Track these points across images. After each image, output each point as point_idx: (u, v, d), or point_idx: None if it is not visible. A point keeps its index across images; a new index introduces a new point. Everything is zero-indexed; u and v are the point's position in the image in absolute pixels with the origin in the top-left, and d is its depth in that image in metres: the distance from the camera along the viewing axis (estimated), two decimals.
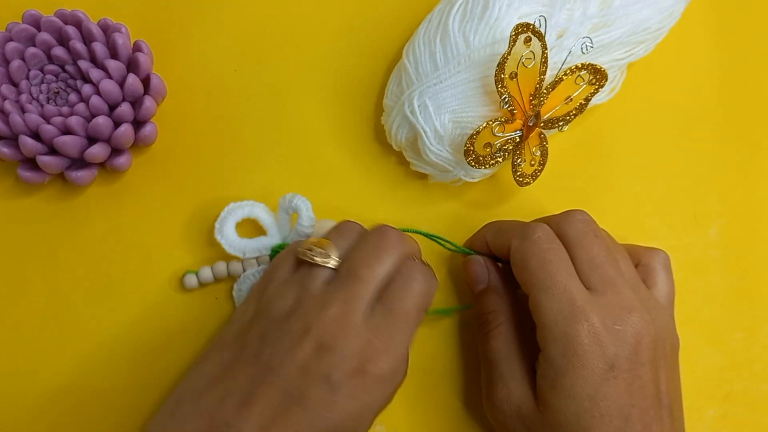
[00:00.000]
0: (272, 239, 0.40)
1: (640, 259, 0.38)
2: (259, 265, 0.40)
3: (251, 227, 0.41)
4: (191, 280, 0.40)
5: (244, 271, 0.40)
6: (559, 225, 0.36)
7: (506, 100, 0.37)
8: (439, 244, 0.40)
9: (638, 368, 0.32)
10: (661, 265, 0.38)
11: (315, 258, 0.35)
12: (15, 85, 0.40)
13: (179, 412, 0.33)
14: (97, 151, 0.39)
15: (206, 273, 0.40)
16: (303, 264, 0.35)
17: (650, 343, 0.33)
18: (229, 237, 0.40)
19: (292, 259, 0.36)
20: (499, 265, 0.40)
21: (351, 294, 0.33)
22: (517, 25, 0.35)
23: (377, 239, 0.35)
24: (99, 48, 0.40)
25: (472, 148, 0.38)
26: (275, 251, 0.40)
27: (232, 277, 0.41)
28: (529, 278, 0.34)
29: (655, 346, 0.33)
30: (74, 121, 0.38)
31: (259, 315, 0.34)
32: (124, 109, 0.39)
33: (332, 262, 0.34)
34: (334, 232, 0.37)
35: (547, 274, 0.33)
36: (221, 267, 0.40)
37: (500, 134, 0.38)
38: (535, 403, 0.33)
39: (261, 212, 0.40)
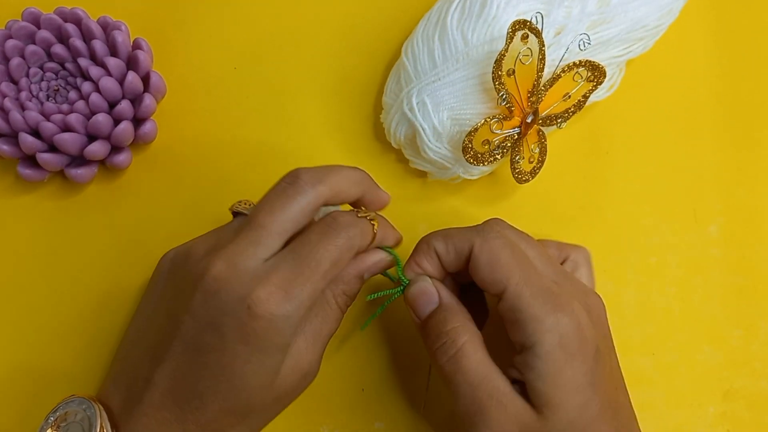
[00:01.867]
0: None
1: (568, 255, 0.37)
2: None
3: None
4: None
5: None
6: (492, 231, 0.34)
7: (504, 97, 0.37)
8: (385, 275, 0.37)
9: (611, 351, 0.33)
10: (585, 261, 0.37)
11: (238, 207, 0.35)
12: (15, 82, 0.40)
13: (113, 371, 0.35)
14: (97, 149, 0.39)
15: None
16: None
17: (608, 326, 0.34)
18: None
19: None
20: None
21: (246, 239, 0.31)
22: (514, 22, 0.35)
23: (286, 182, 0.33)
24: (99, 46, 0.40)
25: (470, 146, 0.38)
26: None
27: None
28: (504, 273, 0.32)
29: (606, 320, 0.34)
30: (74, 119, 0.39)
31: (174, 258, 0.34)
32: (124, 106, 0.39)
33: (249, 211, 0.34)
34: (276, 185, 0.35)
35: (524, 266, 0.32)
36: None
37: (498, 131, 0.38)
38: (533, 411, 0.31)
39: None
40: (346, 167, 0.35)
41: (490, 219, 0.35)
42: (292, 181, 0.33)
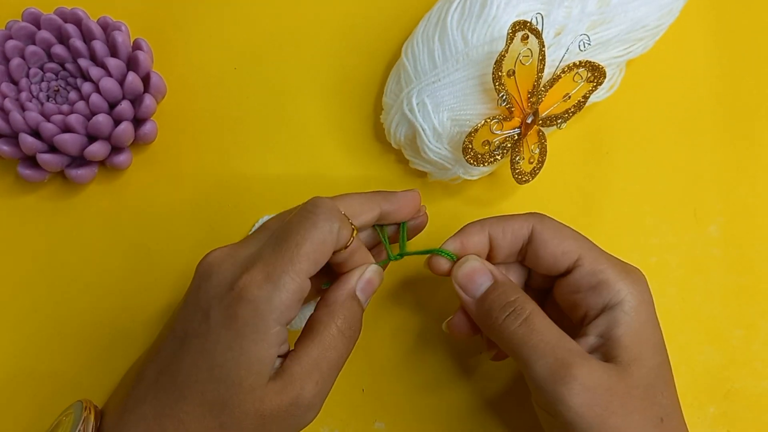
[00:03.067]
0: None
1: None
2: None
3: None
4: None
5: None
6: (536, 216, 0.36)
7: (504, 97, 0.37)
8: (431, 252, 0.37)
9: None
10: None
11: None
12: (15, 83, 0.40)
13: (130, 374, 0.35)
14: (97, 149, 0.39)
15: None
16: None
17: None
18: None
19: None
20: None
21: (253, 237, 0.33)
22: (514, 23, 0.35)
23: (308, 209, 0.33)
24: (99, 46, 0.40)
25: (470, 146, 0.38)
26: None
27: None
28: (573, 244, 0.34)
29: None
30: (74, 119, 0.39)
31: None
32: (124, 107, 0.39)
33: None
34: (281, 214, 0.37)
35: (588, 240, 0.35)
36: None
37: (498, 132, 0.38)
38: (616, 368, 0.31)
39: None
40: (357, 193, 0.36)
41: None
42: (313, 208, 0.33)
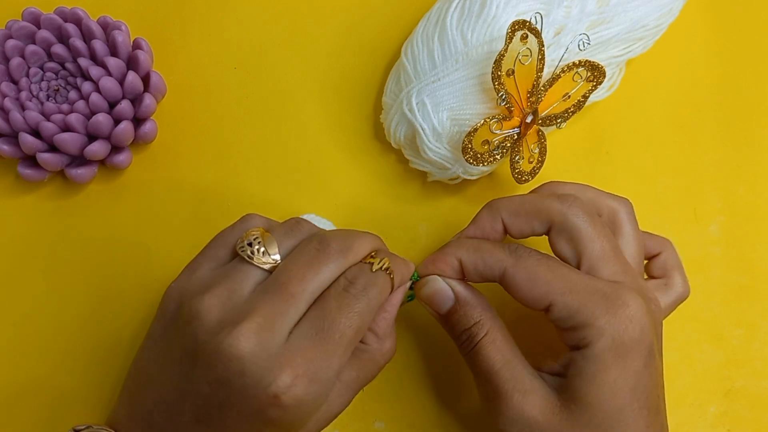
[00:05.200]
0: None
1: (671, 276, 0.37)
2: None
3: None
4: None
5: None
6: (562, 214, 0.33)
7: (503, 97, 0.37)
8: None
9: (660, 355, 0.32)
10: (677, 296, 0.37)
11: (252, 256, 0.31)
12: (15, 82, 0.40)
13: (126, 404, 0.33)
14: (97, 149, 0.39)
15: None
16: (239, 255, 0.32)
17: (662, 331, 0.33)
18: None
19: (230, 247, 0.33)
20: None
21: (274, 310, 0.30)
22: (514, 22, 0.35)
23: (315, 247, 0.32)
24: (99, 46, 0.40)
25: (470, 146, 0.38)
26: None
27: None
28: (545, 290, 0.31)
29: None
30: (74, 119, 0.39)
31: (181, 309, 0.31)
32: (124, 106, 0.39)
33: (268, 264, 0.31)
34: (282, 228, 0.33)
35: (566, 277, 0.31)
36: None
37: (498, 131, 0.38)
38: (558, 404, 0.31)
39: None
40: (364, 233, 0.34)
41: (563, 202, 0.34)
42: (322, 247, 0.32)
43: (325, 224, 0.41)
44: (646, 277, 0.38)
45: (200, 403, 0.30)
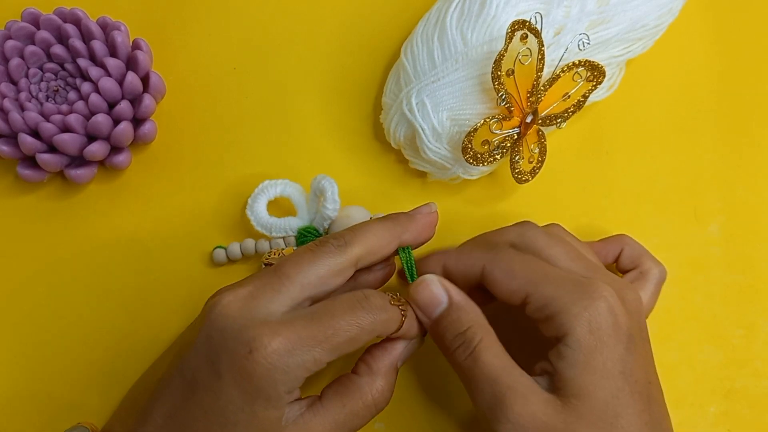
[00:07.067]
0: (300, 220, 0.40)
1: (640, 264, 0.38)
2: (286, 245, 0.39)
3: (285, 207, 0.41)
4: (220, 255, 0.40)
5: (271, 248, 0.39)
6: (517, 237, 0.35)
7: (503, 97, 0.37)
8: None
9: (645, 343, 0.32)
10: (655, 279, 0.38)
11: (269, 258, 0.35)
12: (14, 83, 0.40)
13: (123, 402, 0.37)
14: (97, 149, 0.39)
15: (235, 249, 0.40)
16: None
17: (644, 319, 0.33)
18: (258, 214, 0.39)
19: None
20: None
21: (266, 283, 0.31)
22: (513, 22, 0.35)
23: (316, 243, 0.33)
24: (98, 46, 0.40)
25: (469, 146, 0.38)
26: (301, 233, 0.39)
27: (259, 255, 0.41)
28: (521, 282, 0.32)
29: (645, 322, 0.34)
30: (73, 119, 0.39)
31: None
32: (124, 107, 0.39)
33: (275, 261, 0.34)
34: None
35: (541, 269, 0.32)
36: (249, 244, 0.40)
37: (498, 131, 0.38)
38: (559, 402, 0.31)
39: (294, 192, 0.40)
40: (376, 224, 0.35)
41: (513, 228, 0.35)
42: (320, 242, 0.32)
43: (364, 214, 0.40)
44: (620, 275, 0.39)
45: (186, 373, 0.30)
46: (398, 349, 0.34)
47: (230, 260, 0.41)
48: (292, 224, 0.39)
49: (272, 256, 0.35)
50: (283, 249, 0.36)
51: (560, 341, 0.31)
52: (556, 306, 0.31)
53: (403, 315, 0.33)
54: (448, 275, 0.35)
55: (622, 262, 0.39)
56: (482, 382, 0.32)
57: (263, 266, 0.36)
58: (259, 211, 0.39)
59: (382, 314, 0.31)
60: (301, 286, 0.31)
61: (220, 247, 0.40)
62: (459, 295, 0.34)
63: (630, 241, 0.39)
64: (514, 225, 0.36)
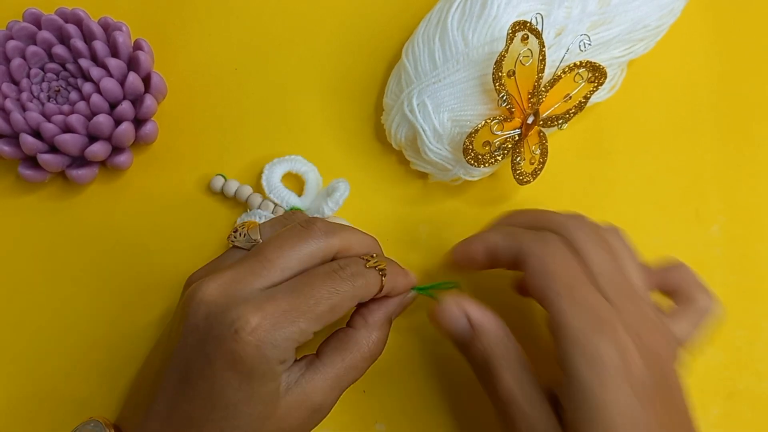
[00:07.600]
0: (300, 202, 0.41)
1: (690, 295, 0.35)
2: (273, 213, 0.41)
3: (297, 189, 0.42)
4: (218, 182, 0.41)
5: (258, 209, 0.41)
6: (566, 230, 0.33)
7: (504, 98, 0.37)
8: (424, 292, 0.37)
9: (670, 391, 0.30)
10: (700, 314, 0.35)
11: (234, 241, 0.35)
12: (16, 83, 0.40)
13: (128, 395, 0.37)
14: (98, 150, 0.39)
15: (232, 185, 0.41)
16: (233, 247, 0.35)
17: (674, 364, 0.31)
18: (272, 173, 0.41)
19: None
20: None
21: (247, 268, 0.31)
22: (514, 23, 0.35)
23: (302, 225, 0.33)
24: (100, 46, 0.40)
25: (471, 147, 0.37)
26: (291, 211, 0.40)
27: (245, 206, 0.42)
28: (549, 284, 0.31)
29: (676, 367, 0.31)
30: (75, 120, 0.39)
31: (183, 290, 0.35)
32: (125, 107, 0.39)
33: (250, 244, 0.34)
34: (273, 219, 0.36)
35: (575, 278, 0.31)
36: (245, 190, 0.41)
37: (499, 133, 0.38)
38: None
39: (313, 179, 0.42)
40: (360, 231, 0.35)
41: (548, 214, 0.35)
42: (306, 225, 0.33)
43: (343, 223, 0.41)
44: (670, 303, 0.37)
45: (179, 364, 0.31)
46: (393, 303, 0.35)
47: (223, 193, 0.42)
48: (291, 200, 0.40)
49: (239, 237, 0.35)
50: (248, 228, 0.36)
51: (565, 374, 0.30)
52: (569, 330, 0.30)
53: (382, 275, 0.33)
54: (493, 255, 0.34)
55: (672, 291, 0.36)
56: (495, 403, 0.32)
57: (231, 244, 0.36)
58: (275, 171, 0.41)
59: (359, 279, 0.32)
60: (281, 270, 0.31)
61: (221, 176, 0.42)
62: (479, 315, 0.33)
63: (686, 271, 0.36)
64: (569, 214, 0.34)
